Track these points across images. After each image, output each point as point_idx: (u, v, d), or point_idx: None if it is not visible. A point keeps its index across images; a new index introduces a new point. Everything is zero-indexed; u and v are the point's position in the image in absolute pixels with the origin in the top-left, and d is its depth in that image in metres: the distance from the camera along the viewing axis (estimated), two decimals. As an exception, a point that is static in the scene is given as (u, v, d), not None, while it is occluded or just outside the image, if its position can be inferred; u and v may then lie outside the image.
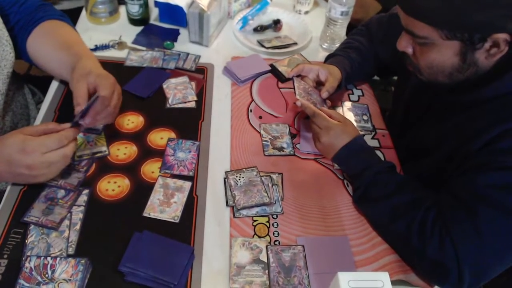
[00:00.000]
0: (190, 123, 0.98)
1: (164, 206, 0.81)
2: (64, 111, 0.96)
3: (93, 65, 0.88)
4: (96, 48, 1.15)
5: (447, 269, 0.70)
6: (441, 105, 0.89)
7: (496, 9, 0.66)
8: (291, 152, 0.95)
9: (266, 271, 0.74)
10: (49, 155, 0.73)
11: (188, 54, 1.16)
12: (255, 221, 0.82)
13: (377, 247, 0.81)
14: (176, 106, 1.01)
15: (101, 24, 1.24)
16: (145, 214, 0.80)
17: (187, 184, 0.85)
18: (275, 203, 0.84)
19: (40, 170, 0.74)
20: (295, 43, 1.25)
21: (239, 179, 0.87)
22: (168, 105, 1.01)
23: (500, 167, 0.70)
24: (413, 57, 0.81)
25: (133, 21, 1.24)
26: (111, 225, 0.78)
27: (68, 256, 0.72)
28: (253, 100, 1.07)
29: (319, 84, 1.03)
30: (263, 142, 0.96)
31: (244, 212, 0.82)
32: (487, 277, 0.71)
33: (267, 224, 0.81)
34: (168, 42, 1.19)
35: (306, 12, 1.40)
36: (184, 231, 0.78)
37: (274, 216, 0.83)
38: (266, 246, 0.77)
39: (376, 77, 1.21)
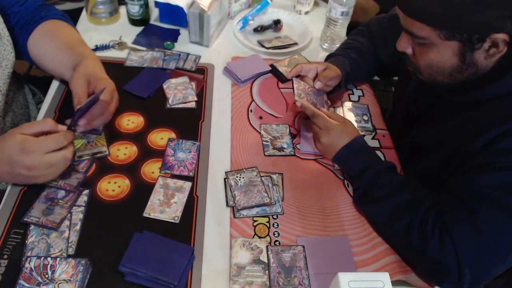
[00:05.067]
0: (190, 123, 0.98)
1: (164, 206, 0.81)
2: (64, 111, 0.96)
3: (96, 66, 0.89)
4: (97, 49, 1.15)
5: (447, 269, 0.70)
6: (442, 105, 0.89)
7: (495, 10, 0.67)
8: (292, 152, 0.95)
9: (267, 271, 0.74)
10: (50, 156, 0.73)
11: (188, 54, 1.16)
12: (255, 221, 0.82)
13: (377, 247, 0.81)
14: (176, 106, 1.01)
15: (101, 25, 1.24)
16: (145, 215, 0.80)
17: (187, 185, 0.85)
18: (275, 203, 0.84)
19: (39, 171, 0.74)
20: (296, 43, 1.25)
21: (240, 179, 0.87)
22: (168, 105, 1.01)
23: (500, 167, 0.70)
24: (413, 57, 0.81)
25: (133, 22, 1.24)
26: (111, 225, 0.78)
27: (68, 256, 0.72)
28: (253, 100, 1.07)
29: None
30: (264, 142, 0.96)
31: (244, 212, 0.82)
32: (487, 277, 0.71)
33: (267, 224, 0.81)
34: (169, 43, 1.19)
35: (306, 13, 1.40)
36: (184, 231, 0.78)
37: (275, 217, 0.83)
38: (267, 247, 0.77)
39: (376, 78, 1.20)
